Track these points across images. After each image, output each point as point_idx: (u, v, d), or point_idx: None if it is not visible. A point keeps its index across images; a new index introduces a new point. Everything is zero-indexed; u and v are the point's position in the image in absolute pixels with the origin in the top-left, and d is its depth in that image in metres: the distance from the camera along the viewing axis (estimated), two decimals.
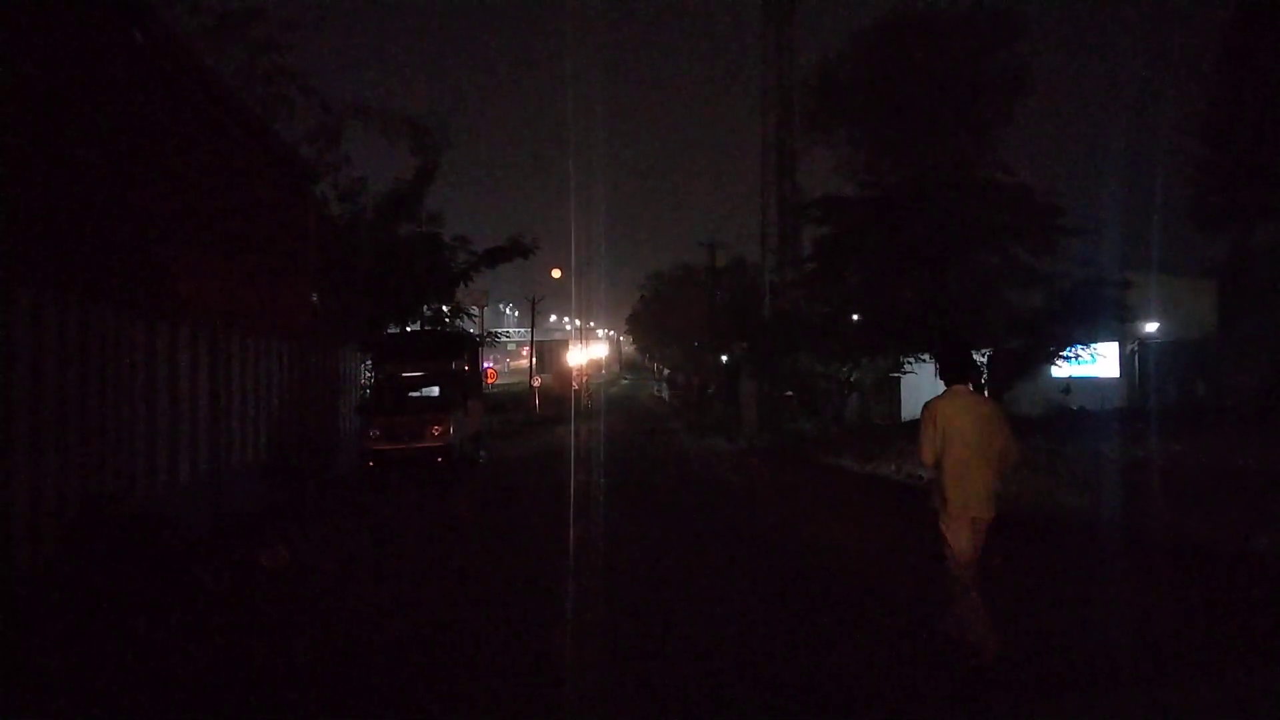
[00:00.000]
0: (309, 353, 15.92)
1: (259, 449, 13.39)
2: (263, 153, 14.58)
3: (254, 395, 13.22)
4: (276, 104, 21.47)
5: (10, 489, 7.43)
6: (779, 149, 32.12)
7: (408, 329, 27.87)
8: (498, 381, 53.59)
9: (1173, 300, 30.84)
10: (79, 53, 9.17)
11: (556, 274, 49.05)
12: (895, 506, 12.92)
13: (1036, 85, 24.27)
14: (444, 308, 29.75)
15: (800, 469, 19.10)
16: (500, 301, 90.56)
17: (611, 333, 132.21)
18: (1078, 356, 22.01)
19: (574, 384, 54.80)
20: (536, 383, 46.34)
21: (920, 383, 28.23)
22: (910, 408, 27.88)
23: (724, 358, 41.85)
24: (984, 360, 21.85)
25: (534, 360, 55.58)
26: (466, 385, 20.04)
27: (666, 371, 70.22)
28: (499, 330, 46.35)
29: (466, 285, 30.27)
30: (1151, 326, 30.76)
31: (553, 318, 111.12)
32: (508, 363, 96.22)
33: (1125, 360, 30.54)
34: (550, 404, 45.46)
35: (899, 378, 26.70)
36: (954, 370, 5.94)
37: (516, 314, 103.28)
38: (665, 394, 68.14)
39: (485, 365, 33.63)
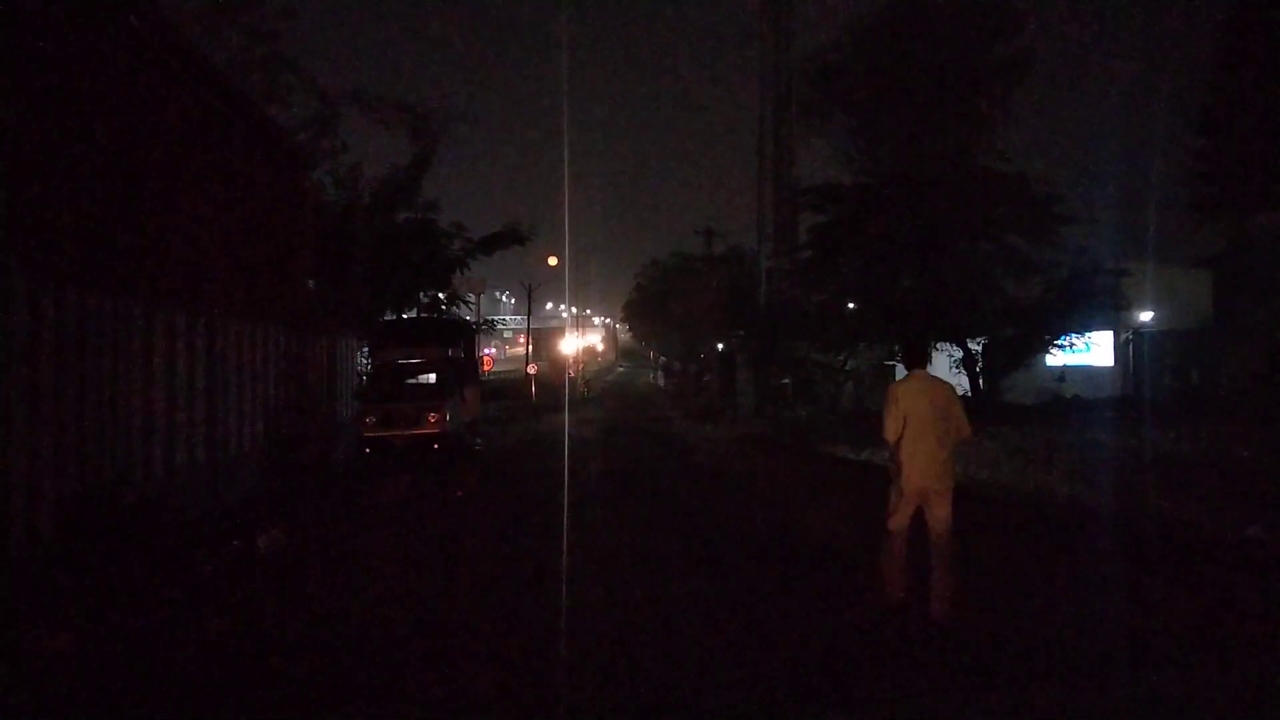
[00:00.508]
0: (306, 340, 15.92)
1: (256, 436, 13.41)
2: (259, 139, 14.54)
3: (251, 383, 13.23)
4: (273, 90, 21.41)
5: (7, 477, 7.45)
6: (776, 137, 32.11)
7: (404, 316, 27.87)
8: (494, 369, 53.57)
9: (1168, 289, 30.92)
10: (74, 39, 9.14)
11: (553, 261, 48.94)
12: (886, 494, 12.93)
13: (1034, 74, 24.28)
14: (440, 295, 29.75)
15: (795, 457, 19.15)
16: (497, 289, 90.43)
17: (608, 320, 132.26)
18: (1073, 345, 22.09)
19: (570, 372, 54.87)
20: (533, 370, 46.28)
21: None
22: None
23: (720, 346, 41.86)
24: (979, 349, 21.92)
25: (530, 348, 55.57)
26: (463, 372, 20.05)
27: (663, 359, 70.23)
28: (495, 318, 46.28)
29: (463, 272, 30.27)
30: (1146, 315, 30.86)
31: (549, 305, 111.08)
32: (505, 350, 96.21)
33: (1120, 349, 30.63)
34: (547, 392, 45.45)
35: (895, 365, 26.75)
36: (914, 357, 6.77)
37: (513, 301, 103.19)
38: (662, 382, 68.20)
39: (486, 352, 33.61)
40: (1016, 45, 23.59)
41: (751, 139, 34.30)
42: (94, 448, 8.76)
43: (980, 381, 21.72)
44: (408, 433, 17.02)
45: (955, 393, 6.58)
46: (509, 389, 44.35)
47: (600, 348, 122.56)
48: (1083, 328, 21.83)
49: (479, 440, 21.62)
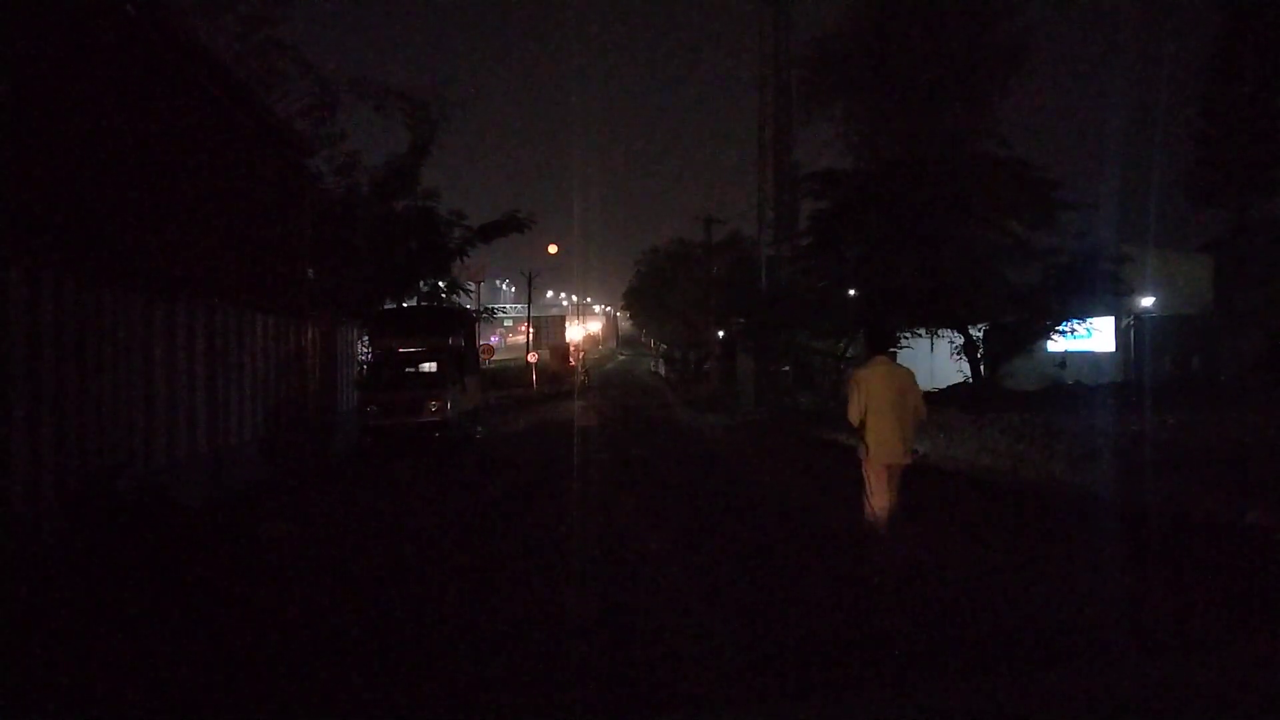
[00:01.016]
0: (306, 328, 15.91)
1: (257, 425, 13.41)
2: (257, 127, 14.49)
3: (252, 371, 13.23)
4: (271, 78, 21.33)
5: (10, 466, 7.45)
6: (776, 122, 31.97)
7: (404, 305, 27.85)
8: (495, 358, 53.60)
9: (1169, 275, 30.87)
10: (70, 25, 9.09)
11: (553, 249, 49.01)
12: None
13: (1034, 59, 24.22)
14: (440, 283, 29.72)
15: (796, 444, 19.15)
16: (497, 278, 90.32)
17: (608, 308, 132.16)
18: (1073, 331, 22.03)
19: (571, 360, 54.87)
20: (533, 359, 46.31)
21: (916, 357, 28.27)
22: None
23: (721, 333, 41.84)
24: (980, 335, 21.89)
25: (531, 336, 55.55)
26: (463, 361, 20.07)
27: (663, 347, 70.22)
28: (496, 306, 46.34)
29: (463, 261, 30.23)
30: (1147, 301, 30.81)
31: (549, 293, 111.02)
32: (505, 339, 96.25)
33: (1121, 335, 30.60)
34: (547, 380, 45.52)
35: (895, 352, 26.70)
36: (878, 344, 7.34)
37: (513, 290, 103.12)
38: (662, 369, 68.18)
39: (491, 339, 33.59)
40: (1016, 28, 23.47)
41: (752, 125, 34.21)
42: (94, 437, 8.76)
43: (981, 367, 21.70)
44: (408, 421, 17.04)
45: (914, 378, 7.07)
46: (510, 377, 44.36)
47: (600, 335, 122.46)
48: (1084, 313, 21.75)
49: (479, 428, 21.64)
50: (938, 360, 25.98)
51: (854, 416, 6.89)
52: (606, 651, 5.42)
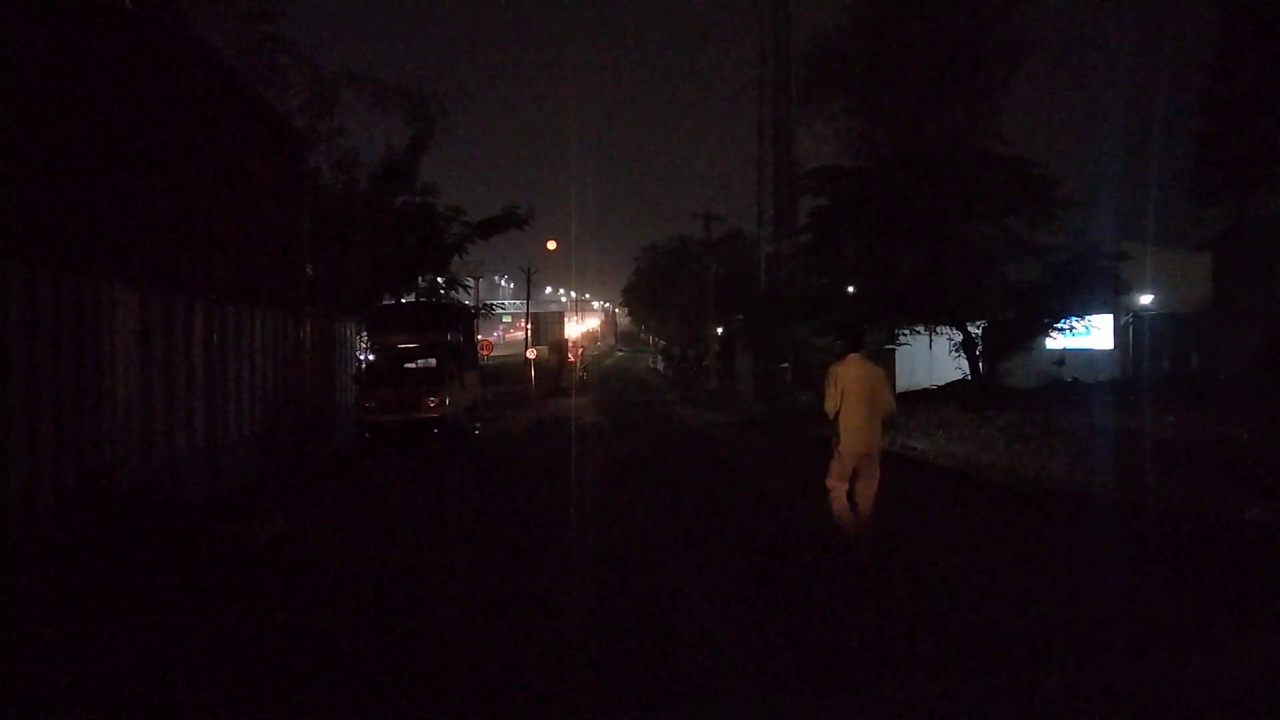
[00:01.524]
0: (304, 324, 15.89)
1: (256, 420, 13.39)
2: (255, 122, 14.46)
3: (249, 367, 13.21)
4: (269, 73, 21.29)
5: (7, 462, 7.44)
6: (775, 119, 31.96)
7: (403, 300, 27.83)
8: (494, 353, 53.55)
9: (1168, 273, 30.88)
10: (68, 20, 9.06)
11: (552, 245, 48.80)
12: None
13: (1034, 56, 24.19)
14: (439, 279, 29.70)
15: (794, 441, 19.14)
16: (496, 274, 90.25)
17: (607, 305, 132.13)
18: (1072, 329, 22.01)
19: (569, 356, 54.79)
20: (532, 355, 46.26)
21: (915, 354, 28.29)
22: (905, 380, 27.92)
23: (720, 330, 41.84)
24: (979, 332, 21.88)
25: (529, 332, 55.48)
26: (462, 357, 20.04)
27: (662, 344, 70.19)
28: (494, 302, 46.26)
29: (461, 256, 30.21)
30: (1146, 299, 30.81)
31: (548, 289, 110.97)
32: (504, 335, 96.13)
33: (1120, 332, 30.60)
34: (545, 376, 45.43)
35: (894, 350, 26.70)
36: (851, 342, 7.64)
37: (512, 286, 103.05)
38: (661, 366, 68.12)
39: (494, 334, 33.52)
40: (1016, 25, 23.43)
41: (751, 122, 34.18)
42: (92, 433, 8.75)
43: (980, 365, 21.69)
44: (406, 417, 17.02)
45: (884, 375, 7.57)
46: (508, 374, 44.31)
47: (599, 332, 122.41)
48: (1082, 311, 21.73)
49: (478, 425, 21.63)
50: (936, 357, 25.99)
51: (830, 408, 7.34)
52: (606, 649, 5.42)
